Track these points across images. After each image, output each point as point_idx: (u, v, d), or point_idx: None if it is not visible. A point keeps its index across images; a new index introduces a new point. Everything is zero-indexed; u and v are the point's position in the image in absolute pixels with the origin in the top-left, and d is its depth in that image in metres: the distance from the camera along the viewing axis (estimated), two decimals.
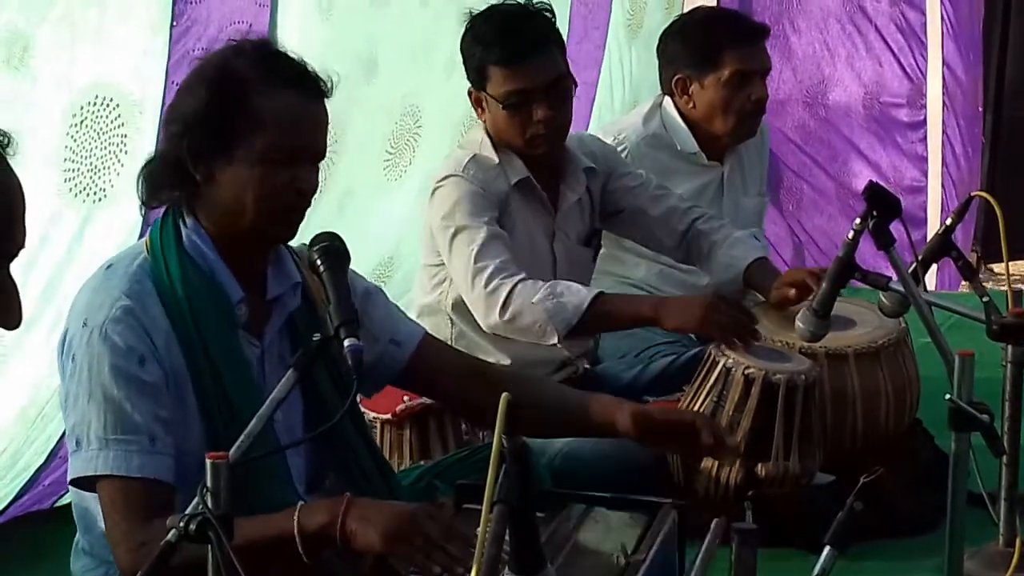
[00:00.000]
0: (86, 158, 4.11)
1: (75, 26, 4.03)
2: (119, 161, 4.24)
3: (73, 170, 4.06)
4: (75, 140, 4.06)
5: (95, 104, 4.14)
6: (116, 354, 2.86)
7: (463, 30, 4.42)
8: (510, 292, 4.15)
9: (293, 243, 3.20)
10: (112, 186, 4.21)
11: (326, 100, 3.04)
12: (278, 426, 2.99)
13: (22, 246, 2.32)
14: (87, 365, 2.88)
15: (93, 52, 4.10)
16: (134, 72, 4.26)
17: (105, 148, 4.19)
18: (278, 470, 3.02)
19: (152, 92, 4.30)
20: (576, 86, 4.42)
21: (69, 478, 2.94)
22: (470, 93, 4.42)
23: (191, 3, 4.38)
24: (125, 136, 4.25)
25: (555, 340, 4.16)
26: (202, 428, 2.94)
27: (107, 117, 4.17)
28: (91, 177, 4.14)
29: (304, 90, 2.99)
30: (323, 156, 3.05)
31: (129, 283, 2.94)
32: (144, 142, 4.29)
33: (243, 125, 2.93)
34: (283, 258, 3.11)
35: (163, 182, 3.02)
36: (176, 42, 4.34)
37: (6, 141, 2.25)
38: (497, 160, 4.36)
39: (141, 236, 4.22)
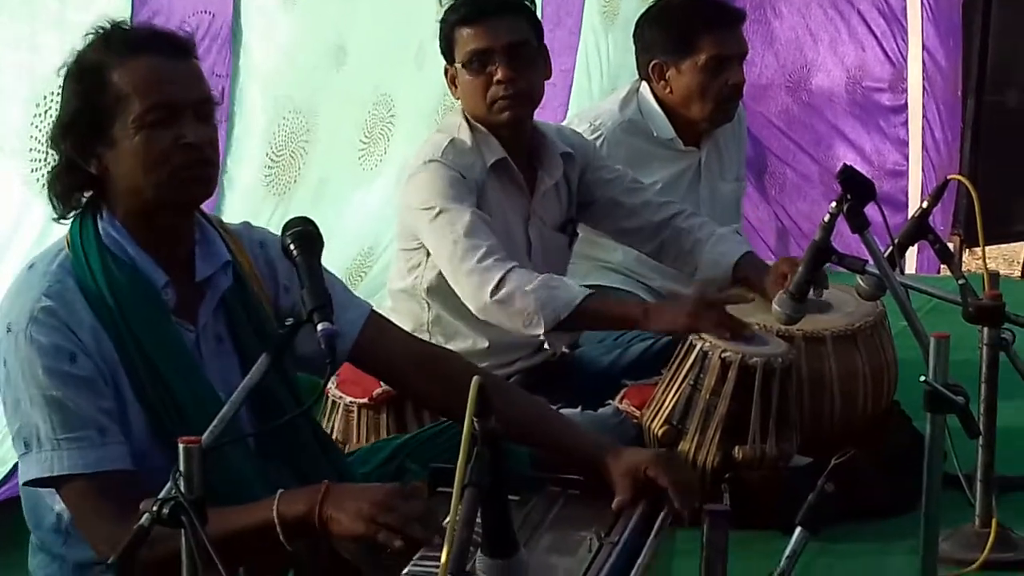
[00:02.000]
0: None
1: (35, 15, 4.02)
2: None
3: (39, 159, 4.04)
4: (39, 130, 4.02)
5: (58, 94, 4.11)
6: (45, 355, 2.85)
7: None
8: (505, 274, 4.14)
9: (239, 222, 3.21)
10: None
11: (192, 56, 3.03)
12: (219, 394, 2.95)
13: None
14: (19, 369, 2.87)
15: (54, 41, 4.06)
16: None
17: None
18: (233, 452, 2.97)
19: None
20: (548, 62, 4.43)
21: (23, 480, 2.92)
22: (446, 71, 4.43)
23: None
24: None
25: (540, 331, 4.14)
26: (143, 417, 2.93)
27: None
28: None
29: (156, 51, 2.97)
30: (210, 106, 3.01)
31: (49, 282, 2.92)
32: None
33: (111, 105, 2.92)
34: (210, 238, 3.09)
35: (67, 189, 3.01)
36: None
37: None
38: (473, 142, 4.36)
39: None
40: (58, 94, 4.00)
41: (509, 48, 4.29)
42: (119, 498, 2.79)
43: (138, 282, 2.96)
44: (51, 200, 3.04)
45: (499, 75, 4.28)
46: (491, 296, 4.14)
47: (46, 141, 3.06)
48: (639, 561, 2.82)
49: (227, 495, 2.78)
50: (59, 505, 2.95)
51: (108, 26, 3.03)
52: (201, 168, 2.97)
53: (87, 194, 3.01)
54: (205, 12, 4.56)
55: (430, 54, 5.67)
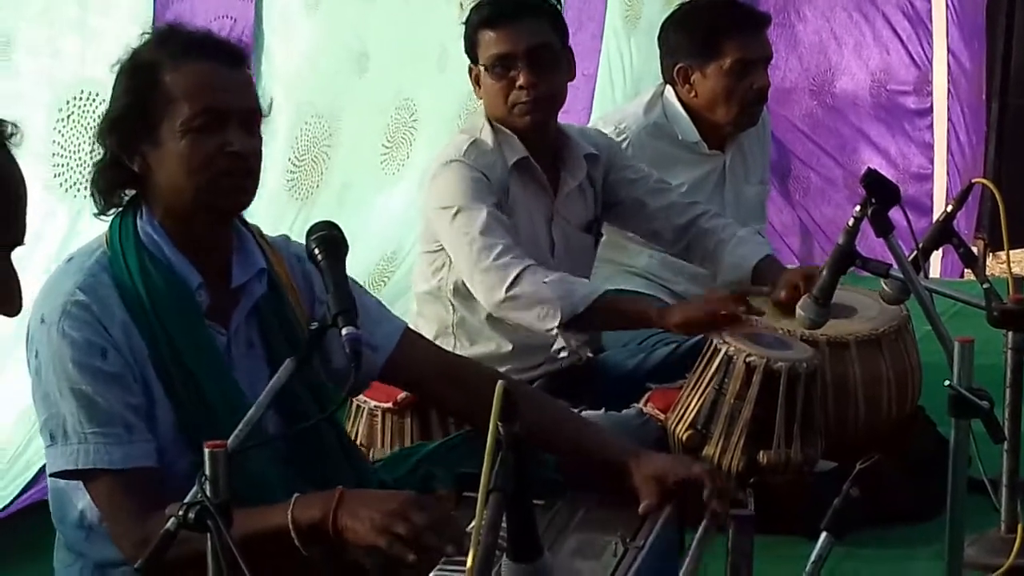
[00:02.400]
0: (74, 153, 4.11)
1: (55, 21, 4.04)
2: None
3: (63, 165, 4.07)
4: (62, 135, 4.07)
5: (81, 99, 4.14)
6: (76, 349, 2.87)
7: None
8: (522, 270, 4.16)
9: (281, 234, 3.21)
10: None
11: (244, 66, 3.05)
12: (247, 398, 2.93)
13: (23, 237, 2.33)
14: (51, 362, 2.88)
15: (76, 47, 4.10)
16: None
17: (93, 143, 4.17)
18: (262, 457, 2.97)
19: None
20: (572, 63, 4.43)
21: (49, 472, 2.94)
22: (470, 71, 4.45)
23: None
24: None
25: (555, 324, 4.14)
26: (171, 415, 2.94)
27: (93, 112, 4.15)
28: (80, 172, 4.13)
29: (211, 56, 2.99)
30: (256, 117, 3.03)
31: (84, 277, 2.93)
32: None
33: (161, 105, 2.94)
34: (248, 247, 3.10)
35: (109, 186, 3.03)
36: None
37: (11, 131, 2.25)
38: (495, 142, 4.37)
39: None
40: (79, 99, 4.07)
41: (530, 52, 4.30)
42: (144, 496, 2.81)
43: (173, 282, 2.98)
44: (93, 195, 3.05)
45: (521, 80, 4.30)
46: (507, 292, 4.16)
47: (95, 135, 3.05)
48: (682, 571, 2.83)
49: (249, 499, 2.78)
50: (83, 502, 2.96)
51: (165, 27, 3.09)
52: (242, 177, 2.99)
53: (129, 192, 3.03)
54: (227, 17, 4.57)
55: (452, 58, 5.69)
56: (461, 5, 5.78)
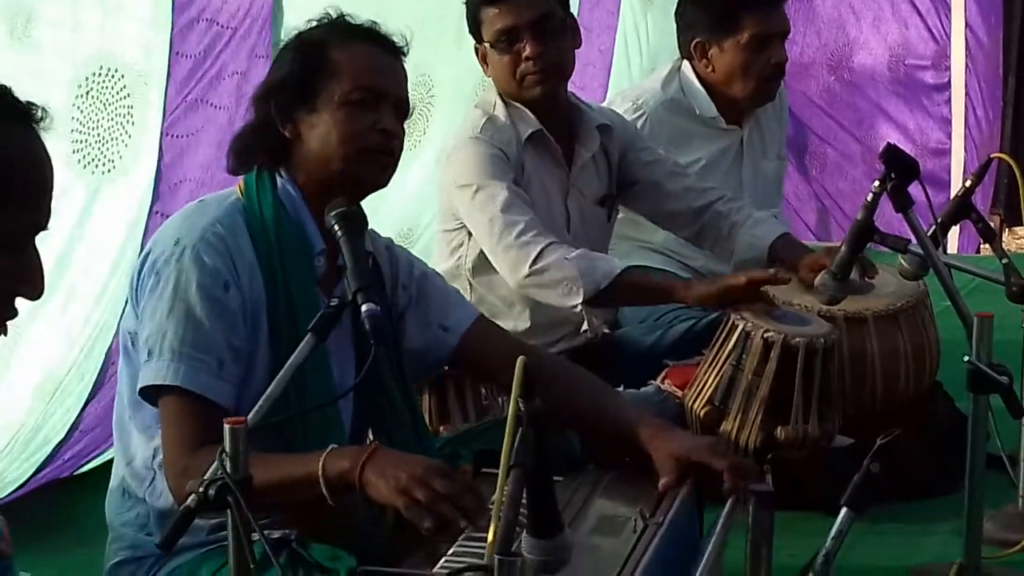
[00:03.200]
0: (93, 129, 4.13)
1: None
2: (127, 132, 4.26)
3: (81, 141, 4.08)
4: (82, 111, 4.08)
5: (100, 75, 4.15)
6: (204, 274, 2.95)
7: None
8: (544, 247, 4.18)
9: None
10: (120, 157, 4.24)
11: (403, 58, 3.21)
12: (335, 379, 3.08)
13: (48, 221, 2.34)
14: (174, 280, 2.95)
15: (96, 22, 4.11)
16: (138, 43, 4.28)
17: (112, 119, 4.21)
18: (330, 419, 3.07)
19: (157, 63, 4.33)
20: (576, 30, 4.43)
21: (139, 386, 2.98)
22: (476, 50, 4.46)
23: None
24: (131, 107, 4.27)
25: (578, 301, 4.16)
26: (270, 363, 2.99)
27: (113, 88, 4.19)
28: (99, 148, 4.16)
29: (377, 42, 3.18)
30: (405, 107, 3.19)
31: (224, 213, 3.05)
32: (150, 113, 4.33)
33: (324, 77, 3.10)
34: None
35: (254, 147, 3.15)
36: (179, 12, 4.36)
37: (40, 114, 2.26)
38: (508, 117, 4.38)
39: (152, 206, 4.27)
40: (99, 75, 4.09)
41: (534, 23, 4.31)
42: (206, 429, 2.82)
43: (302, 240, 3.09)
44: (230, 154, 3.19)
45: (527, 51, 4.30)
46: (530, 268, 4.18)
47: (252, 99, 3.19)
48: (708, 550, 2.84)
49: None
50: (157, 439, 2.98)
51: (336, 14, 3.22)
52: (387, 156, 3.14)
53: (266, 157, 3.13)
54: None
55: (467, 35, 5.67)
56: None
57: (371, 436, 3.23)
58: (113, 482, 3.15)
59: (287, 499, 2.76)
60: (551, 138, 4.43)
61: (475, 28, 4.42)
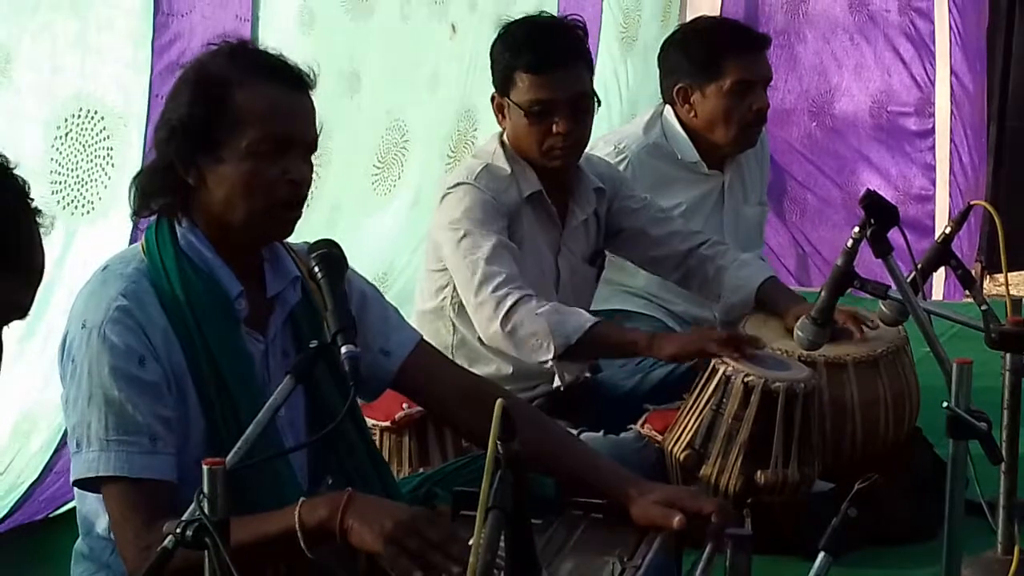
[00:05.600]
0: (72, 171, 4.14)
1: (56, 38, 4.05)
2: (106, 174, 4.27)
3: (60, 183, 4.08)
4: (60, 153, 4.08)
5: (80, 117, 4.15)
6: (115, 355, 2.88)
7: (496, 35, 4.43)
8: (516, 302, 4.17)
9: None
10: (100, 199, 4.24)
11: (311, 92, 3.06)
12: (281, 422, 3.01)
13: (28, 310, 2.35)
14: (87, 367, 2.89)
15: (75, 64, 4.12)
16: (117, 85, 4.28)
17: (91, 161, 4.21)
18: (280, 469, 3.02)
19: (136, 105, 4.33)
20: (599, 105, 4.43)
21: (72, 479, 2.96)
22: (493, 98, 4.44)
23: (173, 16, 4.40)
24: (111, 149, 4.27)
25: (549, 356, 4.15)
26: (203, 425, 2.96)
27: (92, 130, 4.19)
28: (79, 190, 4.16)
29: (283, 81, 3.02)
30: (314, 147, 3.05)
31: (126, 284, 2.95)
32: (131, 155, 4.32)
33: (227, 123, 2.96)
34: (279, 255, 3.13)
35: (155, 189, 3.03)
36: (159, 55, 4.37)
37: (43, 220, 2.30)
38: (510, 171, 4.38)
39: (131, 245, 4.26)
40: (78, 116, 4.09)
41: (572, 101, 4.30)
42: (156, 508, 2.82)
43: (214, 290, 3.00)
44: (131, 195, 3.07)
45: (560, 127, 4.29)
46: (501, 325, 4.17)
47: (155, 140, 3.07)
48: None
49: (272, 501, 2.83)
50: None
51: (235, 42, 3.09)
52: (295, 209, 3.03)
53: (167, 200, 3.02)
54: (224, 37, 4.56)
55: (443, 80, 5.74)
56: (453, 28, 5.82)
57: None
58: (77, 545, 3.13)
59: (264, 558, 2.72)
60: (548, 200, 4.45)
61: (503, 84, 4.37)
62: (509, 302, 4.17)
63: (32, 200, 2.28)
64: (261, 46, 3.12)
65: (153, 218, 3.09)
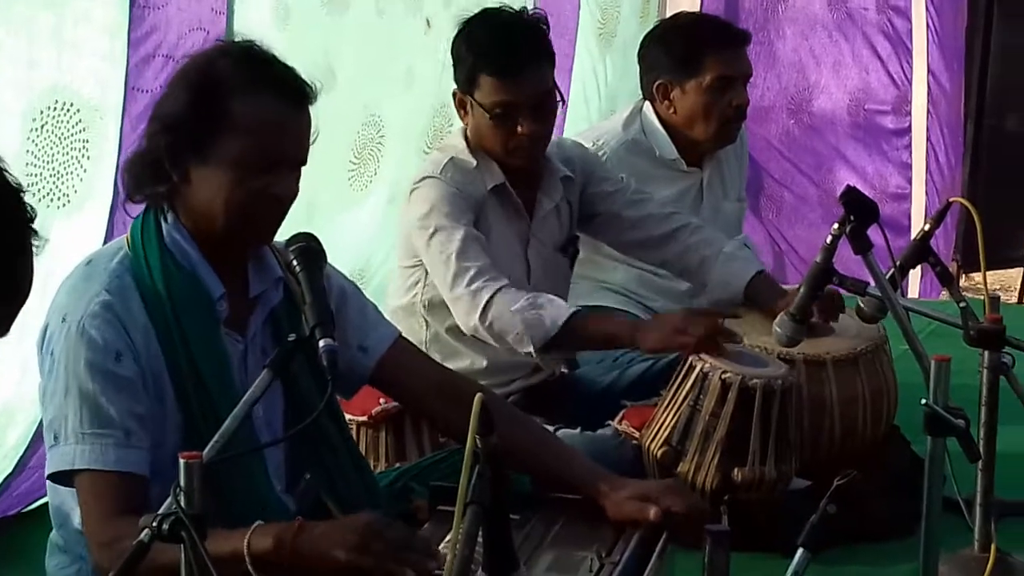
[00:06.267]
0: (48, 163, 4.12)
1: (33, 31, 4.04)
2: (82, 166, 4.26)
3: (35, 175, 4.07)
4: (36, 144, 4.07)
5: (55, 109, 4.14)
6: (93, 349, 2.88)
7: (456, 31, 4.41)
8: (492, 296, 4.16)
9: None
10: (76, 192, 4.23)
11: (310, 106, 3.04)
12: (258, 422, 3.03)
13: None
14: (64, 360, 2.90)
15: (51, 56, 4.11)
16: (93, 77, 4.27)
17: (67, 153, 4.20)
18: (254, 468, 3.03)
19: (112, 97, 4.32)
20: (563, 103, 4.42)
21: (47, 473, 2.96)
22: (454, 94, 4.41)
23: (149, 9, 4.39)
24: (87, 141, 4.26)
25: (529, 349, 4.15)
26: (180, 422, 2.96)
27: (68, 122, 4.18)
28: (54, 182, 4.15)
29: (285, 95, 3.00)
30: (303, 163, 3.05)
31: (109, 279, 2.95)
32: (106, 147, 4.31)
33: (220, 128, 2.94)
34: (264, 254, 3.13)
35: (143, 179, 3.02)
36: (135, 47, 4.36)
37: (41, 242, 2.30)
38: (475, 163, 4.37)
39: (107, 238, 4.25)
40: (54, 108, 4.08)
41: (536, 102, 4.29)
42: (126, 500, 2.83)
43: (195, 289, 3.01)
44: (124, 178, 3.08)
45: (524, 128, 4.28)
46: (480, 320, 4.17)
47: (147, 129, 3.05)
48: None
49: (248, 517, 2.80)
50: None
51: (244, 44, 3.05)
52: (274, 223, 3.04)
53: (160, 189, 3.01)
54: (200, 29, 4.59)
55: (418, 76, 5.74)
56: (428, 23, 5.82)
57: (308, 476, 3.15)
58: (52, 537, 3.13)
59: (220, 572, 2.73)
60: (513, 192, 4.44)
61: (465, 82, 4.35)
62: (485, 296, 4.16)
63: (35, 228, 2.28)
64: (269, 49, 3.06)
65: (140, 211, 3.08)
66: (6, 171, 2.27)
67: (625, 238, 4.65)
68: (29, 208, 2.29)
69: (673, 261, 4.62)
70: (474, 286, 4.17)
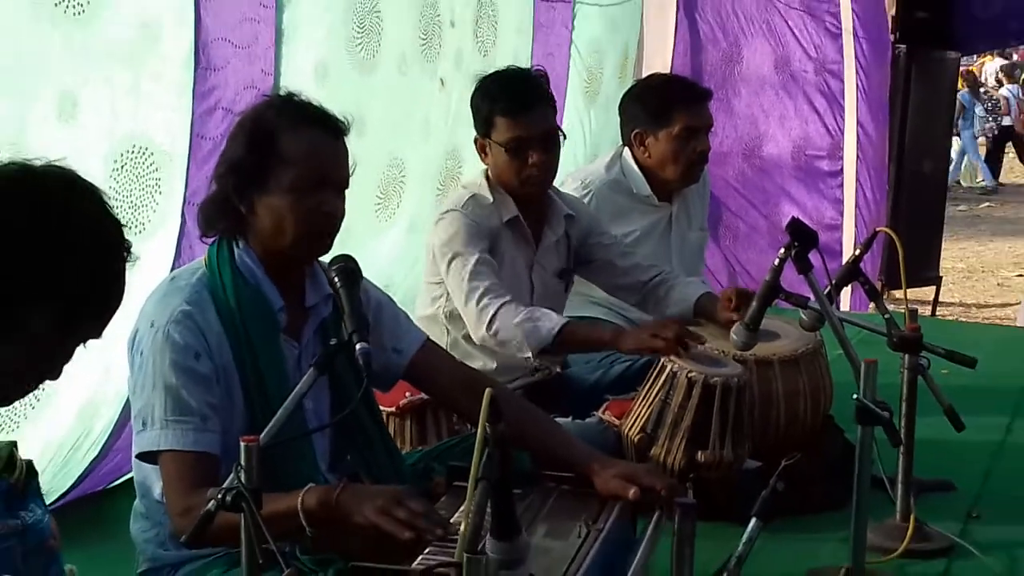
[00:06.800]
0: (127, 197, 4.14)
1: (114, 86, 4.07)
2: (155, 200, 4.28)
3: (116, 207, 4.03)
4: (117, 182, 4.09)
5: (133, 152, 4.16)
6: (176, 350, 2.89)
7: (472, 88, 4.41)
8: (496, 312, 4.16)
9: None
10: (150, 221, 4.25)
11: (345, 138, 3.07)
12: (308, 414, 3.04)
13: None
14: (152, 359, 2.91)
15: (129, 108, 4.13)
16: (164, 126, 4.30)
17: (143, 189, 4.22)
18: (305, 451, 3.05)
19: (180, 143, 4.34)
20: (565, 138, 4.43)
21: (134, 453, 2.96)
22: (476, 140, 4.41)
23: (210, 70, 4.42)
24: (159, 179, 4.28)
25: (528, 355, 4.17)
26: (244, 412, 2.96)
27: (143, 163, 4.20)
28: (132, 213, 4.16)
29: (323, 128, 3.03)
30: (346, 184, 3.07)
31: (189, 292, 2.97)
32: (175, 185, 4.34)
33: (275, 163, 2.97)
34: (318, 273, 3.14)
35: (216, 216, 3.06)
36: (199, 101, 4.38)
37: (134, 256, 2.30)
38: (492, 200, 4.37)
39: (175, 260, 4.27)
40: (131, 152, 4.09)
41: (543, 136, 4.29)
42: (201, 476, 2.83)
43: (260, 303, 3.02)
44: (199, 219, 3.10)
45: (534, 159, 4.28)
46: (487, 331, 4.18)
47: (214, 174, 3.08)
48: (640, 551, 2.85)
49: (300, 473, 2.83)
50: None
51: (286, 95, 3.09)
52: (329, 236, 3.05)
53: (227, 224, 3.04)
54: (252, 87, 4.62)
55: (433, 127, 5.76)
56: (441, 82, 5.83)
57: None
58: (136, 505, 3.13)
59: (274, 528, 2.72)
60: (524, 224, 4.44)
61: (484, 127, 4.35)
62: (490, 311, 4.17)
63: (129, 250, 2.27)
64: (304, 95, 3.10)
65: (205, 238, 3.11)
66: (111, 209, 2.28)
67: (615, 282, 4.64)
68: (127, 243, 2.29)
69: (648, 298, 4.59)
70: (482, 303, 4.18)
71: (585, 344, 4.30)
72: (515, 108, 4.28)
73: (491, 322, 4.16)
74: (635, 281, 4.61)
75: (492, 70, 4.49)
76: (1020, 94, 21.29)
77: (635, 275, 4.62)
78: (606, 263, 4.64)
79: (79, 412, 4.19)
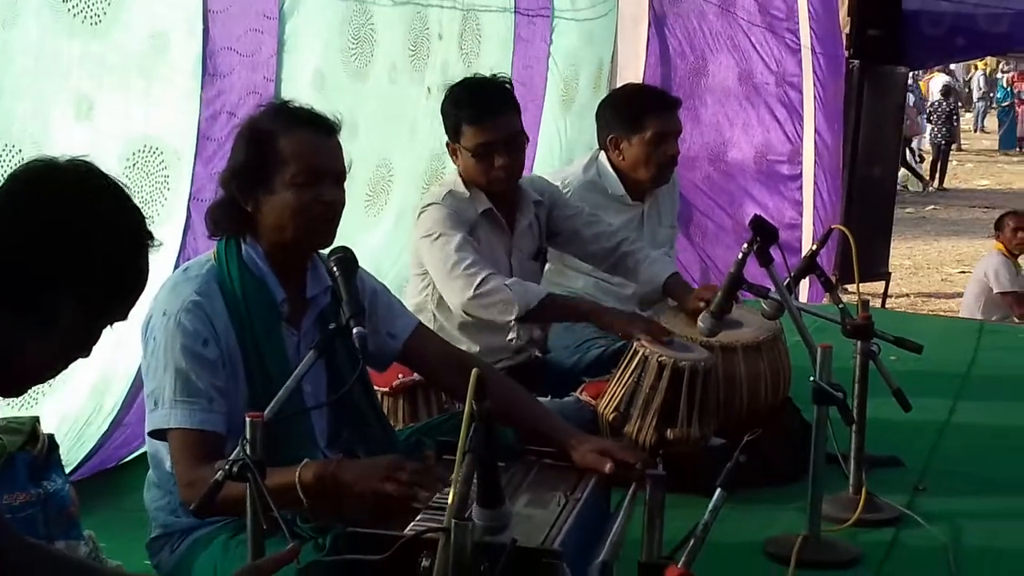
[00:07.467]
0: (137, 193, 4.11)
1: (128, 91, 4.08)
2: (164, 196, 4.28)
3: None
4: (129, 179, 4.07)
5: (144, 152, 4.17)
6: (186, 336, 2.90)
7: (443, 97, 4.39)
8: (487, 275, 4.15)
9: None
10: (159, 215, 4.25)
11: (337, 135, 3.08)
12: (307, 395, 3.04)
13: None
14: (163, 344, 2.91)
15: (141, 112, 4.14)
16: (174, 128, 4.30)
17: (152, 186, 4.22)
18: (303, 429, 3.04)
19: (188, 143, 4.35)
20: (528, 141, 4.42)
21: (147, 430, 2.97)
22: (447, 145, 4.40)
23: (216, 77, 4.43)
24: (168, 177, 4.28)
25: (512, 317, 4.13)
26: (248, 394, 2.96)
27: (153, 162, 4.21)
28: (142, 208, 4.11)
29: (315, 127, 3.04)
30: (343, 176, 3.07)
31: (199, 283, 2.98)
32: (182, 183, 4.34)
33: (275, 163, 2.99)
34: (318, 265, 3.14)
35: (223, 218, 3.07)
36: (206, 106, 4.38)
37: (157, 243, 2.28)
38: (468, 194, 4.36)
39: (180, 252, 4.29)
40: (143, 151, 4.09)
41: (507, 140, 4.27)
42: (207, 451, 2.83)
43: (264, 293, 3.03)
44: (207, 221, 3.11)
45: (499, 162, 4.26)
46: (475, 291, 4.13)
47: (220, 180, 3.10)
48: (618, 521, 2.85)
49: (299, 449, 2.83)
50: None
51: (279, 102, 3.13)
52: (330, 223, 3.05)
53: (232, 226, 3.06)
54: (255, 92, 4.61)
55: (419, 130, 5.79)
56: (428, 90, 5.83)
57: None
58: (149, 476, 3.13)
59: (275, 501, 2.72)
60: (498, 214, 4.43)
61: (453, 133, 4.34)
62: (481, 275, 4.15)
63: (151, 237, 2.24)
64: (294, 100, 3.13)
65: (208, 234, 3.13)
66: (132, 200, 2.25)
67: (583, 249, 4.64)
68: (150, 231, 2.27)
69: (617, 265, 4.61)
70: (472, 269, 4.16)
71: (566, 311, 4.29)
72: (480, 115, 4.26)
73: (481, 284, 4.13)
74: (601, 248, 4.60)
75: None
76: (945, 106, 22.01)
77: (600, 242, 4.60)
78: (572, 232, 4.62)
79: (92, 388, 4.19)
